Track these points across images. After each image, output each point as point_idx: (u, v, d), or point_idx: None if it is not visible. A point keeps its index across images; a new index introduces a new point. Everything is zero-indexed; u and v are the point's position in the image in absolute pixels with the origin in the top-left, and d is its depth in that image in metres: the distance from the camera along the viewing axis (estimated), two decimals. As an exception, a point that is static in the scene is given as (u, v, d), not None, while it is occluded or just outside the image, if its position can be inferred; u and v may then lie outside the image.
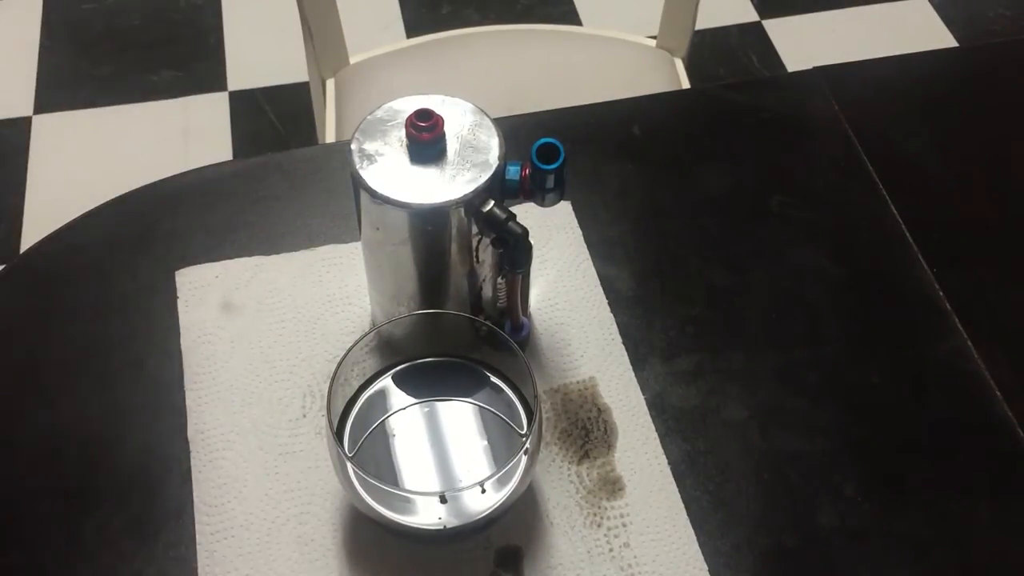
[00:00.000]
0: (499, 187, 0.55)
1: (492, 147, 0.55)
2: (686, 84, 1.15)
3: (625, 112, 0.81)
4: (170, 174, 0.76)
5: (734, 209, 0.75)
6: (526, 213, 0.57)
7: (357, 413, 0.56)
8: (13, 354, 0.66)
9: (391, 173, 0.54)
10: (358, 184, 0.54)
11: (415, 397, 0.57)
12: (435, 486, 0.54)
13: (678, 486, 0.60)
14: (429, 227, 0.55)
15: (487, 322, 0.56)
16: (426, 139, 0.54)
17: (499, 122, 0.56)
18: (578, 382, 0.64)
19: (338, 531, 0.58)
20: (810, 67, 0.84)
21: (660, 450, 0.62)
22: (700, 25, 1.21)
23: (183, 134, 1.77)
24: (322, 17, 1.09)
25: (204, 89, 1.84)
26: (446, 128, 0.55)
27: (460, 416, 0.57)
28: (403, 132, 0.55)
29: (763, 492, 0.60)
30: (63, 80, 1.85)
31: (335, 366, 0.53)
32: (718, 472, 0.61)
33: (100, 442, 0.62)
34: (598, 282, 0.69)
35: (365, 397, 0.57)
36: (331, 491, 0.59)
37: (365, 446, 0.55)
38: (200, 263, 0.69)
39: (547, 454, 0.61)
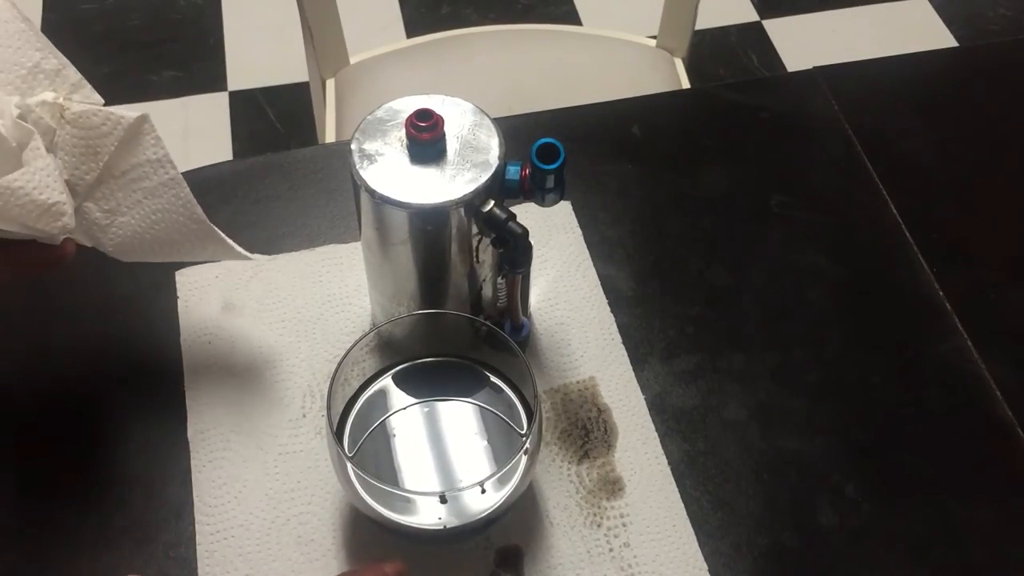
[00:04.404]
0: (499, 187, 0.55)
1: (492, 147, 0.55)
2: (686, 84, 1.15)
3: (625, 112, 0.81)
4: (170, 174, 0.75)
5: (734, 209, 0.75)
6: (526, 213, 0.57)
7: (357, 413, 0.56)
8: (14, 354, 0.66)
9: (391, 173, 0.54)
10: (358, 184, 0.54)
11: (415, 397, 0.57)
12: (435, 486, 0.54)
13: (678, 486, 0.60)
14: (429, 227, 0.55)
15: (487, 322, 0.56)
16: (426, 139, 0.54)
17: (499, 122, 0.56)
18: (578, 382, 0.64)
19: (338, 531, 0.58)
20: (810, 67, 0.84)
21: (660, 450, 0.62)
22: (700, 25, 1.20)
23: (183, 134, 1.77)
24: (322, 17, 1.09)
25: (204, 89, 1.84)
26: (446, 128, 0.55)
27: (460, 416, 0.57)
28: (403, 132, 0.55)
29: (763, 492, 0.60)
30: (63, 80, 1.85)
31: (335, 366, 0.53)
32: (718, 472, 0.61)
33: (100, 442, 0.62)
34: (598, 282, 0.69)
35: (365, 397, 0.57)
36: (331, 491, 0.59)
37: (365, 446, 0.55)
38: (200, 263, 0.69)
39: (547, 454, 0.61)
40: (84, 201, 0.52)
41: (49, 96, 0.50)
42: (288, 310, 0.67)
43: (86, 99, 0.52)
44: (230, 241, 0.57)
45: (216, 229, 0.55)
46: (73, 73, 0.52)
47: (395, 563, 0.49)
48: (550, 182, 0.55)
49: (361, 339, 0.54)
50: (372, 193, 0.54)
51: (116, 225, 0.53)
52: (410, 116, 0.54)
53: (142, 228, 0.53)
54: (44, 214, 0.49)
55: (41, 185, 0.48)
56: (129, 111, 0.50)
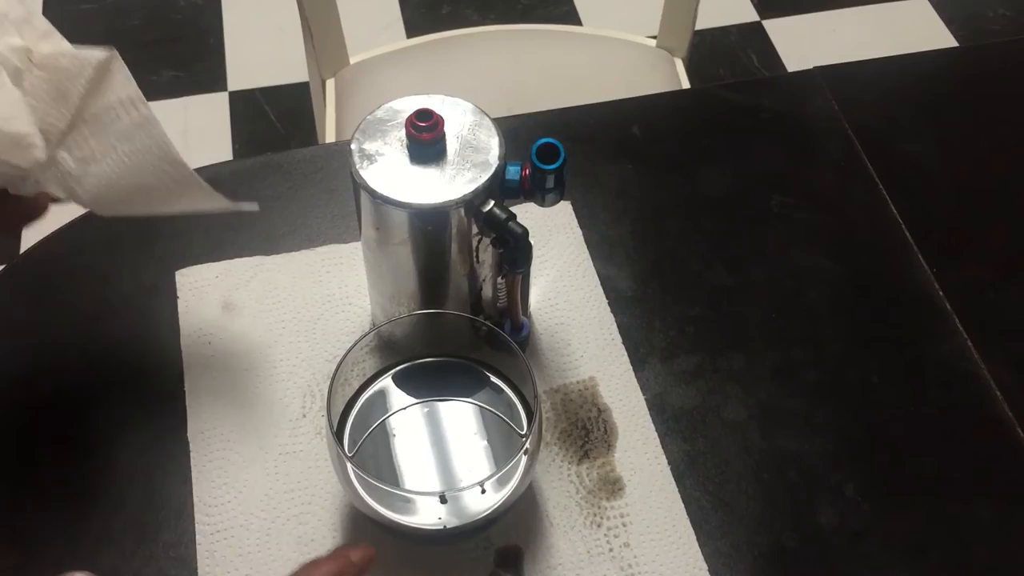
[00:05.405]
0: (499, 187, 0.55)
1: (492, 147, 0.55)
2: (686, 84, 1.15)
3: (625, 112, 0.81)
4: (170, 174, 0.75)
5: (734, 209, 0.75)
6: (526, 213, 0.57)
7: (357, 413, 0.56)
8: (13, 354, 0.66)
9: (391, 173, 0.54)
10: (358, 184, 0.54)
11: (415, 397, 0.57)
12: (435, 486, 0.54)
13: (678, 486, 0.60)
14: (429, 227, 0.55)
15: (487, 322, 0.56)
16: (426, 139, 0.54)
17: (499, 122, 0.56)
18: (578, 382, 0.64)
19: (338, 531, 0.58)
20: (810, 67, 0.84)
21: (660, 450, 0.62)
22: (700, 25, 1.20)
23: (183, 134, 1.77)
24: (322, 17, 1.09)
25: (204, 89, 1.84)
26: (446, 128, 0.55)
27: (460, 416, 0.57)
28: (403, 132, 0.55)
29: (763, 492, 0.60)
30: (63, 80, 1.85)
31: (335, 366, 0.53)
32: (718, 472, 0.61)
33: (100, 442, 0.62)
34: (598, 282, 0.69)
35: (365, 397, 0.57)
36: (331, 491, 0.59)
37: (365, 446, 0.55)
38: (200, 263, 0.69)
39: (547, 454, 0.61)
40: (57, 149, 0.51)
41: (17, 41, 0.49)
42: (288, 310, 0.67)
43: (55, 46, 0.50)
44: (210, 188, 0.53)
45: (195, 173, 0.52)
46: (41, 21, 0.50)
47: (361, 547, 0.48)
48: (550, 182, 0.55)
49: (361, 339, 0.54)
50: (372, 193, 0.54)
51: (90, 175, 0.51)
52: (410, 116, 0.54)
53: (117, 175, 0.51)
54: (14, 146, 0.48)
55: (10, 116, 0.47)
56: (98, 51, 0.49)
